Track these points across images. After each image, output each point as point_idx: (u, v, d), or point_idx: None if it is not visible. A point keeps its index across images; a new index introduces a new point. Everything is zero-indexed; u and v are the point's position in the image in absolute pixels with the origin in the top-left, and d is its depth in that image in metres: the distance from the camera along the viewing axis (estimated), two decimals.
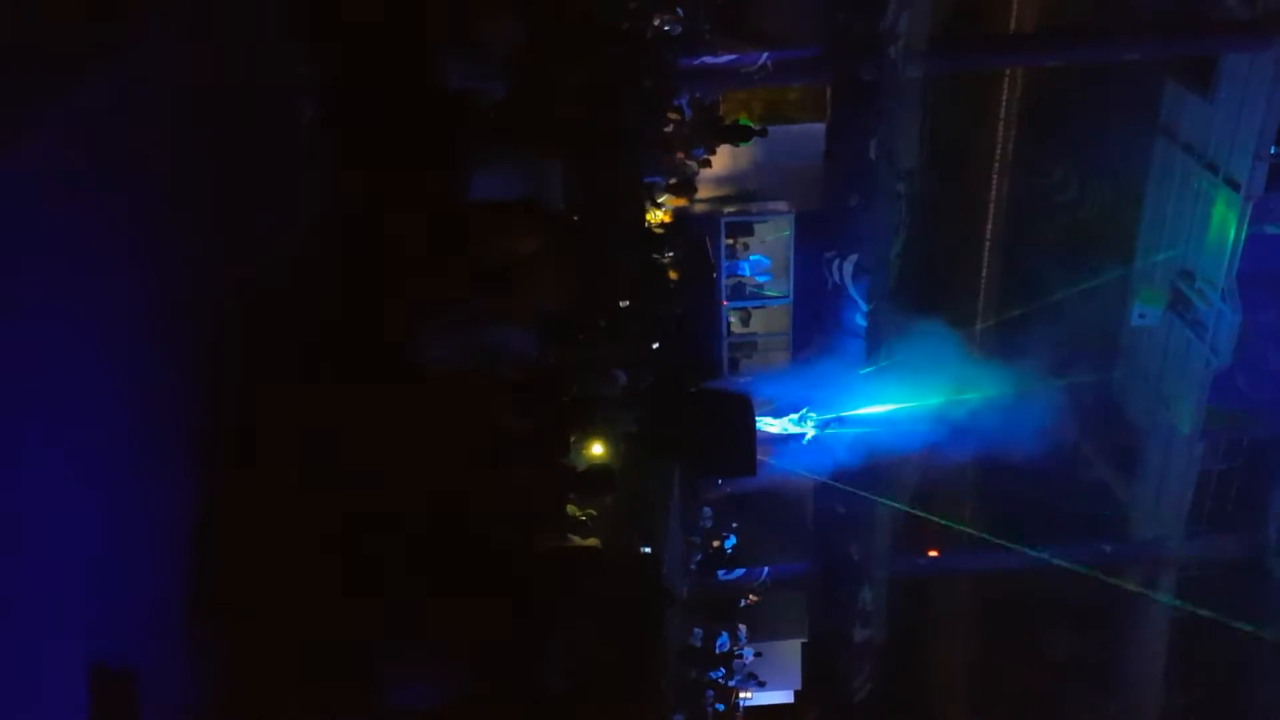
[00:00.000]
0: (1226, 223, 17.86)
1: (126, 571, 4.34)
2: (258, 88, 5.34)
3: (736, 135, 16.60)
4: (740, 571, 19.67)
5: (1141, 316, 19.76)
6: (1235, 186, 17.49)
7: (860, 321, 18.65)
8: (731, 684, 18.20)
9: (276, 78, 5.54)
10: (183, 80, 4.66)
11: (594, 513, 8.09)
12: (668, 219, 15.18)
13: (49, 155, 3.87)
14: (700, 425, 14.10)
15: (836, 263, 18.54)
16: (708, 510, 18.50)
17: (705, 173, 16.77)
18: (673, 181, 15.23)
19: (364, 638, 4.97)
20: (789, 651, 21.10)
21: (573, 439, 7.83)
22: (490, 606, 5.26)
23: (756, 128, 16.81)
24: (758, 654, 19.41)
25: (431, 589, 5.07)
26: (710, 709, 17.49)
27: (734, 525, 19.09)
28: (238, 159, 5.09)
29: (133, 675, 4.13)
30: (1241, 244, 17.64)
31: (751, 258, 19.06)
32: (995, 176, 20.51)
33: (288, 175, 5.57)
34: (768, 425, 18.49)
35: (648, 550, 11.02)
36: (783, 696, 21.35)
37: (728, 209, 18.65)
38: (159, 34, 4.40)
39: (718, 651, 18.15)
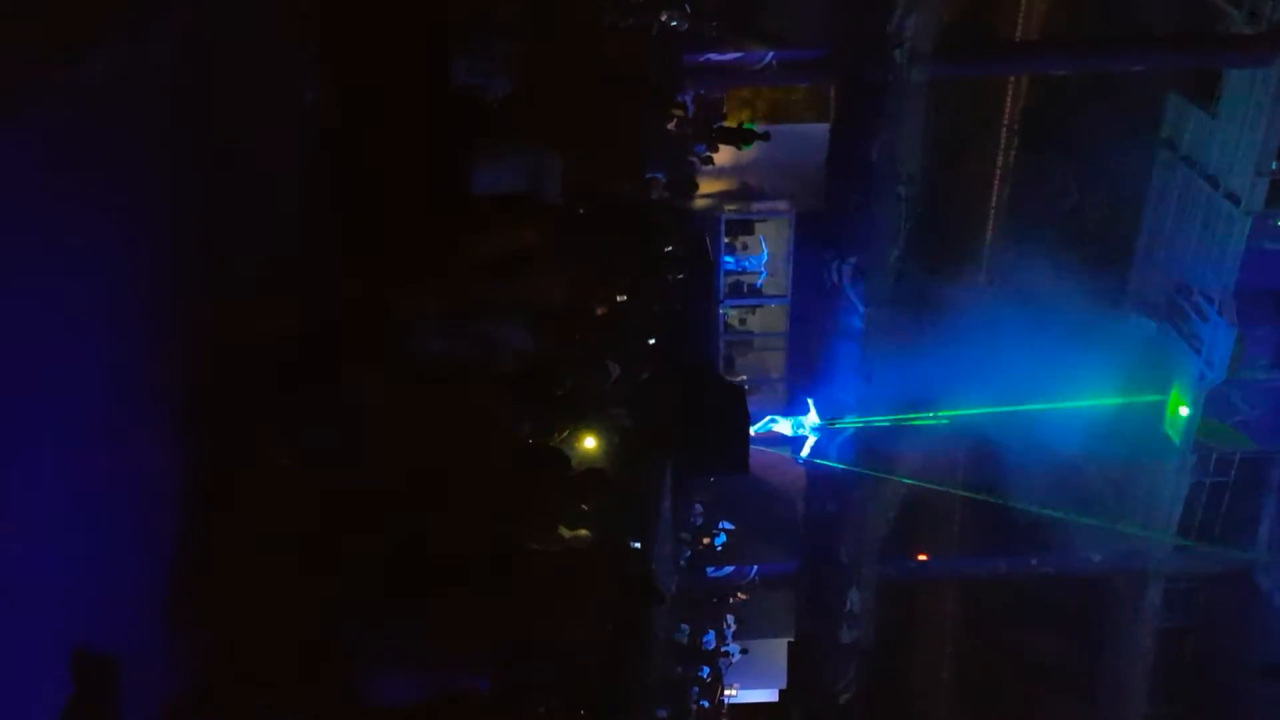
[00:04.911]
0: (1226, 237, 17.89)
1: (110, 559, 4.33)
2: (258, 79, 5.33)
3: (739, 138, 16.61)
4: (729, 569, 19.70)
5: (1138, 328, 19.80)
6: (1235, 201, 17.53)
7: (858, 324, 18.63)
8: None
9: (278, 70, 5.53)
10: (182, 69, 4.65)
11: (584, 507, 8.07)
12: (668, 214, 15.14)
13: (45, 141, 3.85)
14: (693, 422, 14.11)
15: (835, 264, 18.54)
16: (698, 507, 18.52)
17: (706, 170, 16.75)
18: (674, 177, 15.20)
19: (349, 631, 4.97)
20: (775, 650, 21.16)
21: (565, 433, 7.82)
22: (478, 601, 5.27)
23: (759, 131, 16.80)
24: (744, 651, 19.46)
25: (418, 583, 5.07)
26: (694, 705, 17.52)
27: (724, 523, 19.12)
28: (237, 149, 5.08)
29: (115, 662, 4.12)
30: (1240, 259, 17.68)
31: (750, 256, 19.07)
32: (996, 182, 20.50)
33: (287, 166, 5.56)
34: (761, 423, 18.51)
35: (637, 545, 11.00)
36: (767, 695, 21.42)
37: (728, 207, 18.65)
38: (158, 24, 4.38)
39: (704, 648, 18.18)
